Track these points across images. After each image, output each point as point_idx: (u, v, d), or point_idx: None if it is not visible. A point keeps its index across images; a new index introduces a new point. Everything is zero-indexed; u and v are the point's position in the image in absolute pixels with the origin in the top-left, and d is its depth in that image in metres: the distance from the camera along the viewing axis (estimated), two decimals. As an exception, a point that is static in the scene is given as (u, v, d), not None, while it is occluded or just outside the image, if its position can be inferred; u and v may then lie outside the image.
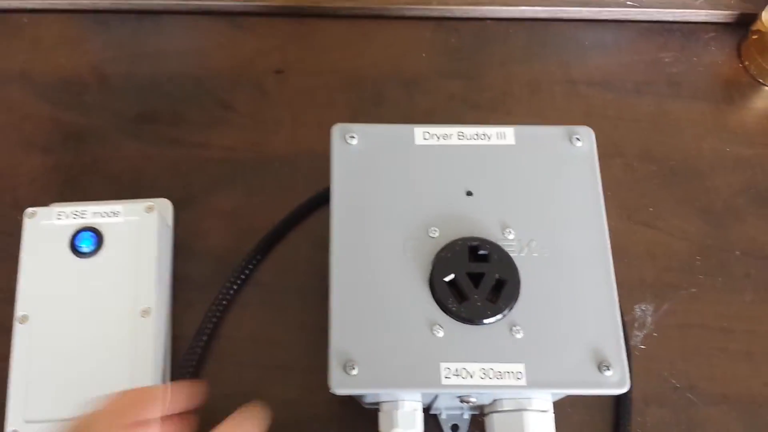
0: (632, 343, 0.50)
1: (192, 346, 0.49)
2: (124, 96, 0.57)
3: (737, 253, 0.54)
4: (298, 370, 0.49)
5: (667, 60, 0.60)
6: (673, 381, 0.50)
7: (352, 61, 0.59)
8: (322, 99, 0.57)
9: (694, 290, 0.52)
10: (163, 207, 0.52)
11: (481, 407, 0.46)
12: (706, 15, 0.61)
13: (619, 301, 0.40)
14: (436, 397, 0.44)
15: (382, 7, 0.59)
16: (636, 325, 0.51)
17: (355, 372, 0.38)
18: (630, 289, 0.52)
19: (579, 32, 0.61)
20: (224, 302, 0.51)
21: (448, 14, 0.60)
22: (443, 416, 0.48)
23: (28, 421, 0.44)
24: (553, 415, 0.43)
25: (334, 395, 0.48)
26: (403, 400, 0.44)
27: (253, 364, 0.49)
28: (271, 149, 0.56)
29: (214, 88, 0.57)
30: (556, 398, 0.45)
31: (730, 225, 0.55)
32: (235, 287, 0.51)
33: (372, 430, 0.46)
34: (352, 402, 0.48)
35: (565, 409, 0.48)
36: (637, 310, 0.52)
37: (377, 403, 0.45)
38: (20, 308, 0.47)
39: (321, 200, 0.53)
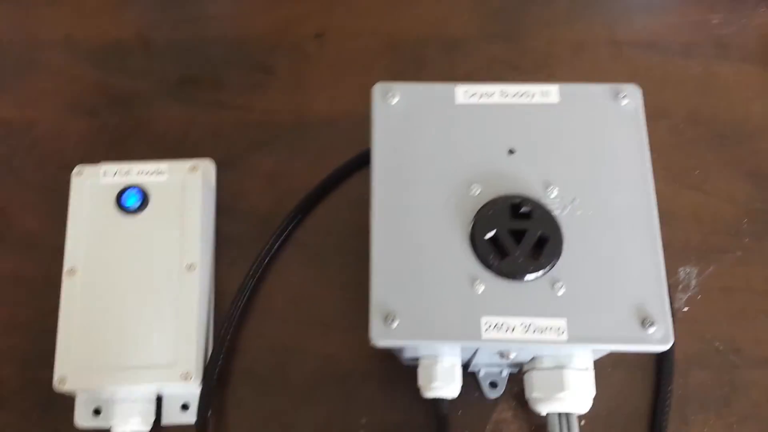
0: (676, 305, 0.50)
1: (235, 302, 0.50)
2: (167, 60, 0.58)
3: (785, 216, 0.53)
4: (338, 327, 0.50)
5: (715, 21, 0.59)
6: (717, 343, 0.49)
7: (392, 23, 0.59)
8: (362, 62, 0.57)
9: (739, 254, 0.52)
10: (207, 168, 0.53)
11: (519, 365, 0.46)
12: (756, -25, 0.60)
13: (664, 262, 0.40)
14: (475, 352, 0.44)
15: (424, -31, 0.59)
16: (680, 287, 0.51)
17: (395, 324, 0.38)
18: (674, 252, 0.51)
19: (624, -8, 0.60)
20: (266, 260, 0.51)
21: (490, -25, 0.59)
22: (482, 374, 0.48)
23: (75, 369, 0.45)
24: (593, 373, 0.43)
25: (373, 351, 0.48)
26: (443, 356, 0.44)
27: (294, 320, 0.50)
28: (311, 112, 0.56)
29: (254, 52, 0.58)
30: (597, 356, 0.45)
31: (778, 188, 0.54)
32: (276, 246, 0.52)
33: (410, 386, 0.47)
34: (391, 359, 0.48)
35: (606, 369, 0.47)
36: (681, 272, 0.51)
37: (416, 359, 0.46)
38: (68, 262, 0.48)
39: (361, 162, 0.53)
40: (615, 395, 0.48)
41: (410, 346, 0.40)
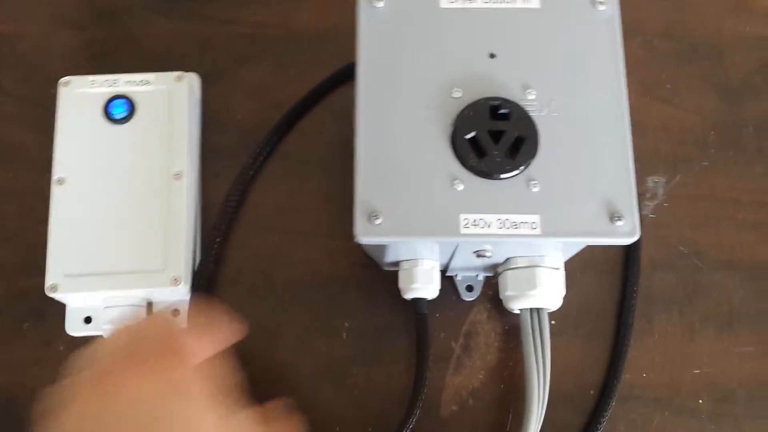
0: (644, 212, 0.52)
1: (222, 211, 0.51)
2: (152, -28, 0.57)
3: (750, 128, 0.55)
4: (321, 236, 0.52)
5: (690, -62, 0.60)
6: (681, 248, 0.52)
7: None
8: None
9: (705, 163, 0.54)
10: (192, 80, 0.54)
11: (494, 268, 0.49)
12: None
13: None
14: (453, 254, 0.46)
15: None
16: (648, 195, 0.53)
17: (378, 221, 0.40)
18: (644, 162, 0.53)
19: None
20: (251, 172, 0.53)
21: None
22: (459, 278, 0.51)
23: (66, 275, 0.47)
24: (563, 273, 0.46)
25: (355, 258, 0.51)
26: (422, 259, 0.47)
27: (279, 229, 0.52)
28: (299, 25, 0.56)
29: (241, -36, 0.58)
30: (568, 256, 0.47)
31: (745, 102, 0.56)
32: (261, 158, 0.53)
33: (390, 292, 0.49)
34: (372, 266, 0.51)
35: (575, 271, 0.50)
36: (650, 181, 0.53)
37: (396, 263, 0.48)
38: (57, 172, 0.49)
39: (346, 75, 0.54)
40: (583, 296, 0.51)
41: (393, 242, 0.42)
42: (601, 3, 0.45)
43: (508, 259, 0.46)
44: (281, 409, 0.42)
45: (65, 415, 0.35)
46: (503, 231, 0.40)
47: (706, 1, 0.58)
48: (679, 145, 0.54)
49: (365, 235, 0.40)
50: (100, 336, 0.48)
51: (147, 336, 0.39)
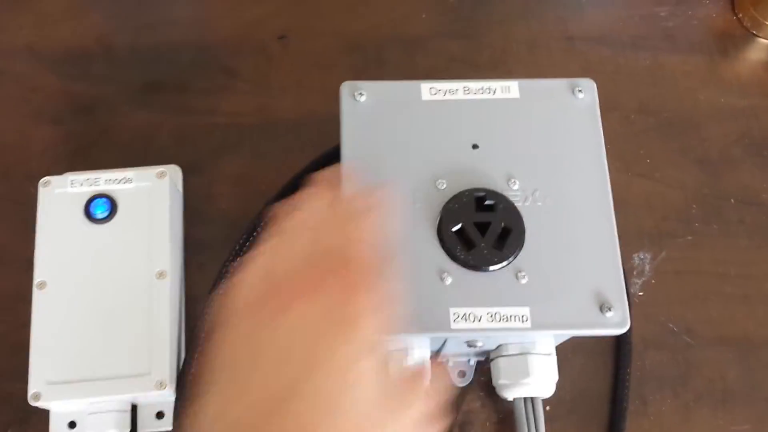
0: (631, 290, 0.52)
1: (205, 307, 0.50)
2: (130, 66, 0.58)
3: (732, 200, 0.55)
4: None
5: (662, 14, 0.61)
6: (671, 325, 0.52)
7: (353, 24, 0.60)
8: (325, 62, 0.58)
9: (690, 238, 0.54)
10: (173, 173, 0.53)
11: (486, 353, 0.48)
12: (699, -31, 0.62)
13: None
14: (444, 343, 0.45)
15: (381, -30, 0.60)
16: (635, 273, 0.53)
17: (367, 322, 0.40)
18: (628, 238, 0.53)
19: (575, -11, 0.62)
20: (234, 265, 0.52)
21: (445, -25, 0.61)
22: (450, 364, 0.50)
23: (49, 383, 0.45)
24: (555, 358, 0.45)
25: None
26: (413, 348, 0.46)
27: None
28: (276, 113, 0.57)
29: (218, 56, 0.58)
30: (559, 341, 0.47)
31: (724, 174, 0.56)
32: (243, 250, 0.52)
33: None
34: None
35: (566, 354, 0.49)
36: (636, 258, 0.53)
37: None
38: (38, 275, 0.48)
39: (326, 160, 0.54)
40: (576, 380, 0.50)
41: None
42: (579, 90, 0.45)
43: (500, 345, 0.46)
44: None
45: (221, 338, 0.31)
46: (493, 325, 0.40)
47: (680, 74, 0.60)
48: (662, 221, 0.55)
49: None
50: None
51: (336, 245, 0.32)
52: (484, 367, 0.49)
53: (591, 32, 0.60)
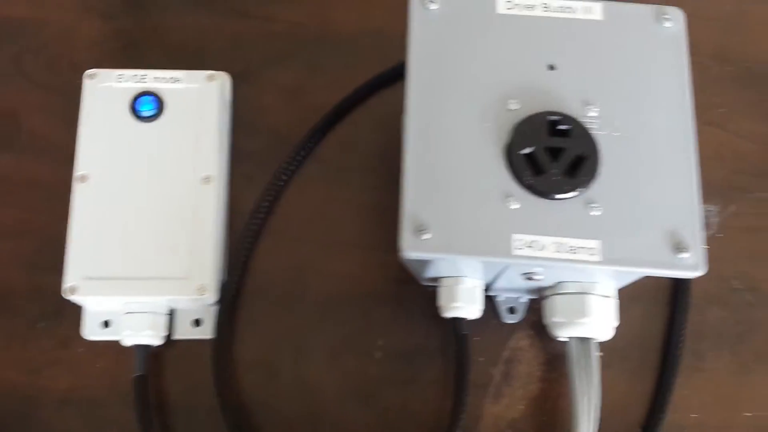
0: (696, 241, 0.49)
1: (252, 218, 0.49)
2: (187, -38, 0.55)
3: (811, 157, 0.52)
4: (357, 248, 0.49)
5: (750, -42, 0.57)
6: (734, 282, 0.49)
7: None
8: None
9: (761, 194, 0.51)
10: (223, 80, 0.51)
11: (539, 290, 0.46)
12: None
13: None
14: (498, 275, 0.43)
15: None
16: (701, 224, 0.50)
17: (426, 236, 0.37)
18: (696, 188, 0.50)
19: None
20: (284, 178, 0.50)
21: None
22: (500, 298, 0.48)
23: (86, 278, 0.44)
24: (616, 302, 0.43)
25: (391, 273, 0.48)
26: (465, 277, 0.44)
27: (311, 239, 0.49)
28: (337, 26, 0.54)
29: (282, -42, 0.55)
30: (623, 284, 0.44)
31: (803, 129, 0.53)
32: (295, 163, 0.50)
33: (427, 310, 0.47)
34: (409, 281, 0.48)
35: (623, 302, 0.47)
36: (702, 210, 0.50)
37: (436, 280, 0.45)
38: (79, 168, 0.46)
39: (385, 80, 0.52)
40: (631, 328, 0.47)
41: (439, 259, 0.39)
42: (667, 19, 0.42)
43: (557, 283, 0.43)
44: None
45: None
46: (559, 255, 0.38)
47: (764, 24, 0.56)
48: (733, 174, 0.51)
49: (412, 250, 0.38)
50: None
51: None
52: (535, 304, 0.47)
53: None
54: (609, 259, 0.38)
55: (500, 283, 0.45)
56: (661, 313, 0.48)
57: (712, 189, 0.51)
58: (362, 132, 0.52)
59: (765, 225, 0.50)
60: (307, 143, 0.51)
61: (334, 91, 0.52)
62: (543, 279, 0.42)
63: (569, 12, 0.42)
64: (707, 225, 0.50)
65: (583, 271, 0.40)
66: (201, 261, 0.45)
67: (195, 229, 0.46)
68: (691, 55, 0.53)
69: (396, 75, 0.51)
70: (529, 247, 0.38)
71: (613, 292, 0.43)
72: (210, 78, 0.49)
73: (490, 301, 0.47)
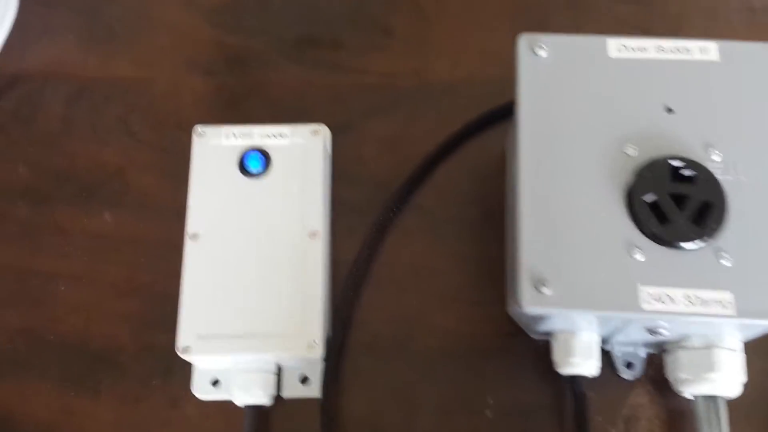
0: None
1: (352, 272, 0.48)
2: (283, 19, 0.56)
3: None
4: (461, 300, 0.48)
5: None
6: None
7: (515, -17, 0.56)
8: (485, 24, 0.55)
9: None
10: (325, 134, 0.51)
11: (658, 345, 0.44)
12: None
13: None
14: (617, 329, 0.41)
15: (549, -72, 0.56)
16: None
17: (547, 290, 0.36)
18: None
19: (761, -44, 0.56)
20: (383, 226, 0.49)
21: (620, -66, 0.56)
22: (617, 353, 0.46)
23: (199, 337, 0.44)
24: (744, 356, 0.41)
25: (499, 326, 0.47)
26: (581, 330, 0.42)
27: (414, 290, 0.48)
28: (431, 75, 0.54)
29: (373, 12, 0.56)
30: (748, 338, 0.42)
31: None
32: (393, 211, 0.50)
33: (538, 365, 0.45)
34: (519, 333, 0.46)
35: (748, 354, 0.44)
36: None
37: (548, 333, 0.44)
38: (191, 226, 0.47)
39: (479, 126, 0.51)
40: (756, 384, 0.44)
41: (561, 314, 0.38)
42: (787, 57, 0.40)
43: (681, 336, 0.41)
44: None
45: None
46: (691, 309, 0.36)
47: None
48: None
49: (532, 305, 0.36)
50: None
51: None
52: (653, 358, 0.45)
53: (776, 3, 0.54)
54: (744, 311, 0.36)
55: (618, 337, 0.43)
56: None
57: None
58: (459, 180, 0.51)
59: None
60: (404, 191, 0.50)
61: (432, 140, 0.51)
62: (669, 333, 0.40)
63: (684, 53, 0.41)
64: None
65: (712, 324, 0.38)
66: (310, 317, 0.44)
67: (303, 284, 0.45)
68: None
69: (486, 121, 0.51)
70: (658, 300, 0.36)
71: (740, 346, 0.41)
72: (314, 132, 0.49)
73: (605, 355, 0.45)
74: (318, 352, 0.44)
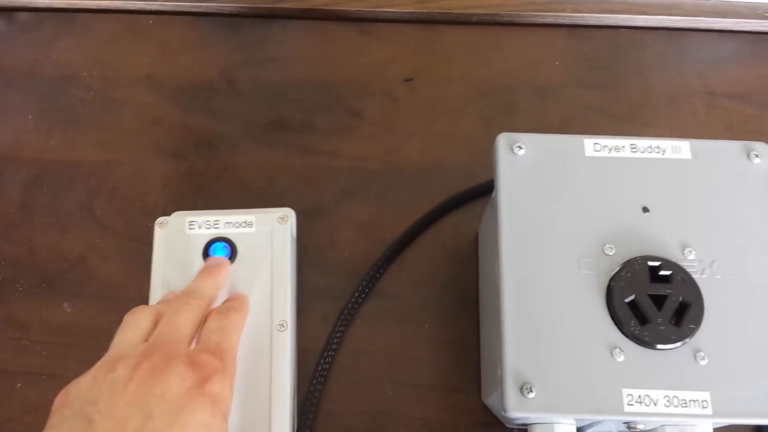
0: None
1: (319, 363, 0.47)
2: (253, 102, 0.55)
3: None
4: (435, 388, 0.47)
5: (807, 73, 0.58)
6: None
7: (483, 68, 0.57)
8: (453, 107, 0.55)
9: None
10: (292, 219, 0.50)
11: (635, 432, 0.44)
12: None
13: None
14: (594, 422, 0.41)
15: (514, 14, 0.58)
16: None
17: (532, 395, 0.36)
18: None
19: (717, 43, 0.58)
20: (351, 314, 0.49)
21: (581, 21, 0.58)
22: (594, 439, 0.46)
23: None
24: (713, 442, 0.41)
25: (476, 417, 0.47)
26: (558, 423, 0.42)
27: (388, 380, 0.48)
28: (402, 159, 0.54)
29: (343, 96, 0.56)
30: (718, 426, 0.43)
31: None
32: (361, 298, 0.49)
33: (515, 454, 0.45)
34: (496, 423, 0.46)
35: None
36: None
37: (525, 425, 0.43)
38: (155, 319, 0.45)
39: (449, 207, 0.52)
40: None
41: (548, 417, 0.38)
42: (756, 155, 0.42)
43: (655, 428, 0.42)
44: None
45: None
46: (671, 410, 0.36)
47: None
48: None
49: (518, 410, 0.36)
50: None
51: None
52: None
53: (734, 89, 0.57)
54: (721, 411, 0.36)
55: (594, 429, 0.43)
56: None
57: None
58: (431, 264, 0.51)
59: None
60: (372, 277, 0.50)
61: (403, 223, 0.51)
62: (644, 427, 0.40)
63: (657, 152, 0.42)
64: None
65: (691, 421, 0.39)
66: (280, 411, 0.43)
67: (273, 375, 0.44)
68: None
69: (456, 202, 0.52)
70: (640, 402, 0.36)
71: (710, 432, 0.41)
72: (281, 219, 0.48)
73: (583, 442, 0.46)
74: (287, 447, 0.42)
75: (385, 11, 0.58)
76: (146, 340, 0.39)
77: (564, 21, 0.58)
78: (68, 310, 0.49)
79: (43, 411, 0.36)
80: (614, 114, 0.55)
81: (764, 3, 0.58)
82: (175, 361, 0.37)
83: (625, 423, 0.40)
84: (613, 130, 0.54)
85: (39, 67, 0.57)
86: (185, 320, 0.40)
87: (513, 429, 0.46)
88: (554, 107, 0.56)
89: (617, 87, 0.57)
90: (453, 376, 0.48)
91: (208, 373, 0.37)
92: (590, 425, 0.43)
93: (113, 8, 0.59)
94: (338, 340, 0.48)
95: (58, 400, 0.37)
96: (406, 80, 0.56)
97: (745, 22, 0.58)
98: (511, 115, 0.55)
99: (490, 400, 0.45)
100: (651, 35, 0.58)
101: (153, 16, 0.58)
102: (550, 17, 0.58)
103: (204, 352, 0.39)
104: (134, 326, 0.40)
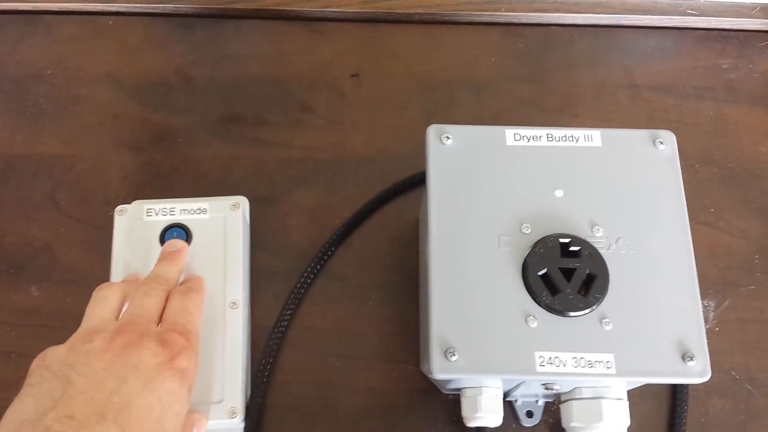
0: (698, 337, 0.53)
1: (271, 338, 0.52)
2: (208, 98, 0.59)
3: (795, 252, 0.56)
4: (379, 360, 0.52)
5: (725, 66, 0.63)
6: (734, 373, 0.52)
7: (424, 65, 0.61)
8: (396, 101, 0.60)
9: (753, 287, 0.55)
10: (244, 205, 0.54)
11: (556, 395, 0.49)
12: (761, 24, 0.64)
13: (683, 297, 0.42)
14: (518, 384, 0.46)
15: (453, 13, 0.62)
16: (701, 320, 0.53)
17: (455, 358, 0.40)
18: (694, 286, 0.54)
19: (641, 39, 0.63)
20: (301, 293, 0.53)
21: (515, 20, 0.63)
22: (518, 403, 0.51)
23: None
24: (627, 403, 0.46)
25: (415, 384, 0.51)
26: (486, 387, 0.46)
27: (335, 353, 0.52)
28: (349, 149, 0.58)
29: (293, 91, 0.60)
30: (632, 387, 0.47)
31: (787, 225, 0.57)
32: (310, 278, 0.54)
33: (450, 416, 0.50)
34: (433, 390, 0.51)
35: (633, 399, 0.49)
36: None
37: (458, 389, 0.48)
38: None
39: (391, 194, 0.56)
40: (639, 425, 0.50)
41: (467, 378, 0.42)
42: (661, 142, 0.46)
43: (573, 389, 0.46)
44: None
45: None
46: (578, 370, 0.41)
47: (743, 126, 0.61)
48: (726, 270, 0.55)
49: (442, 372, 0.40)
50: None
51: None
52: (551, 406, 0.50)
53: (656, 81, 0.61)
54: (623, 370, 0.41)
55: (519, 392, 0.48)
56: (667, 405, 0.51)
57: (708, 285, 0.55)
58: (374, 245, 0.55)
59: (756, 316, 0.54)
60: (319, 259, 0.54)
61: (349, 208, 0.55)
62: (561, 388, 0.45)
63: (571, 140, 0.46)
64: (705, 319, 0.54)
65: (600, 380, 0.44)
66: (232, 384, 0.47)
67: (225, 353, 0.48)
68: (680, 158, 0.58)
69: (398, 190, 0.56)
70: (551, 363, 0.41)
71: (624, 395, 0.46)
72: (234, 206, 0.52)
73: (508, 405, 0.50)
74: (238, 419, 0.46)
75: (332, 11, 0.62)
76: (116, 316, 0.43)
77: (499, 20, 0.63)
78: (35, 294, 0.52)
79: (14, 387, 0.39)
80: (545, 106, 0.60)
81: (685, 0, 0.63)
82: (146, 338, 0.41)
83: (543, 384, 0.45)
84: (543, 122, 0.59)
85: (4, 67, 0.60)
86: (152, 303, 0.44)
87: (449, 395, 0.51)
88: (490, 100, 0.60)
89: (548, 81, 0.61)
90: (395, 348, 0.52)
91: (177, 350, 0.41)
92: (515, 388, 0.47)
93: (75, 10, 0.62)
94: (289, 317, 0.52)
95: (36, 362, 0.41)
96: (353, 76, 0.61)
97: (668, 18, 0.63)
98: (450, 108, 0.60)
99: (425, 367, 0.49)
100: (579, 32, 0.63)
101: (113, 17, 0.62)
102: (486, 16, 0.62)
103: (173, 331, 0.43)
104: (103, 303, 0.44)
